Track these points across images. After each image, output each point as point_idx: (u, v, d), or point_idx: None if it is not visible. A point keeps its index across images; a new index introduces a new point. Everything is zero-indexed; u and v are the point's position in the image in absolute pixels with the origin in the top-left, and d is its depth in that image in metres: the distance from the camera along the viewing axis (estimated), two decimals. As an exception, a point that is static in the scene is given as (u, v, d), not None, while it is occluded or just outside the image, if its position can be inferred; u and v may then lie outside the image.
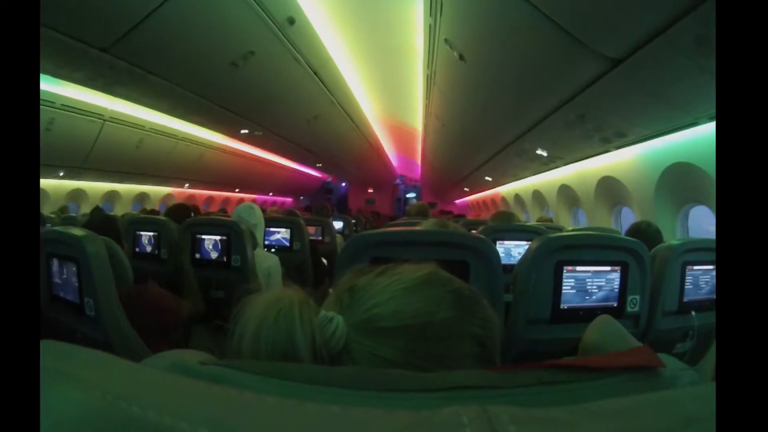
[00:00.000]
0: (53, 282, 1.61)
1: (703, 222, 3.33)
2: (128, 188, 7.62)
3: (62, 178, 5.99)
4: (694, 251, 1.71)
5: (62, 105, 4.49)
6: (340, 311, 0.50)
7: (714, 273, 1.76)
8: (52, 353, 0.28)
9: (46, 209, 5.74)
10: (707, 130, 2.54)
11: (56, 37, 2.53)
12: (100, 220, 2.02)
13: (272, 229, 3.39)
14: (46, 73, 3.37)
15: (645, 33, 1.74)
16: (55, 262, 1.58)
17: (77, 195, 6.76)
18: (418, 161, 11.99)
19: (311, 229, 3.88)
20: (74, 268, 1.48)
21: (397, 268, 0.53)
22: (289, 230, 3.37)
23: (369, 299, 0.50)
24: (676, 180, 3.16)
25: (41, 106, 4.09)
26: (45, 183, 5.95)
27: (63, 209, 5.63)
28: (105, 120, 5.11)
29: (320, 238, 4.03)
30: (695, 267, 1.72)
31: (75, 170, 5.81)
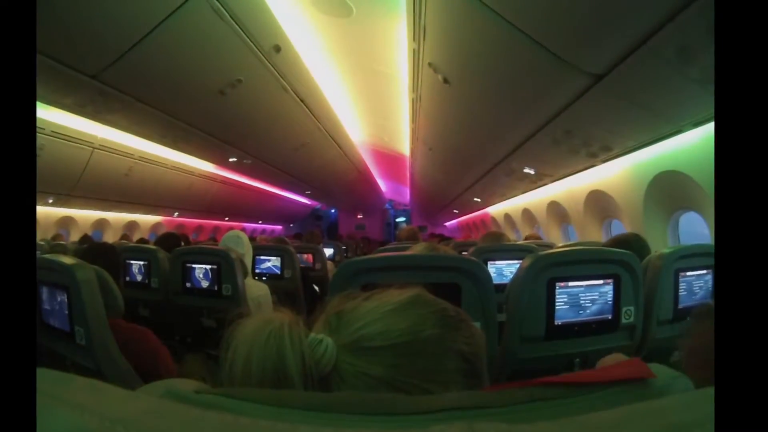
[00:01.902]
0: (43, 309, 1.58)
1: (696, 227, 3.35)
2: (118, 217, 7.54)
3: (51, 205, 5.92)
4: (686, 258, 1.73)
5: (52, 131, 4.48)
6: (329, 334, 0.51)
7: (707, 277, 1.78)
8: (49, 380, 0.28)
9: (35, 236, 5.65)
10: (692, 137, 2.57)
11: (47, 63, 2.54)
12: (101, 249, 1.99)
13: (263, 257, 3.39)
14: (36, 99, 3.35)
15: (626, 46, 1.77)
16: (45, 290, 1.55)
17: (67, 222, 6.67)
18: (407, 185, 12.00)
19: (302, 257, 3.88)
20: (64, 297, 1.46)
21: (383, 292, 0.55)
22: (279, 258, 3.37)
23: (356, 321, 0.51)
24: (663, 189, 3.19)
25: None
26: (34, 210, 5.83)
27: (55, 237, 5.55)
28: (94, 147, 5.09)
29: (311, 265, 4.03)
30: (688, 273, 1.74)
31: (64, 197, 5.75)
